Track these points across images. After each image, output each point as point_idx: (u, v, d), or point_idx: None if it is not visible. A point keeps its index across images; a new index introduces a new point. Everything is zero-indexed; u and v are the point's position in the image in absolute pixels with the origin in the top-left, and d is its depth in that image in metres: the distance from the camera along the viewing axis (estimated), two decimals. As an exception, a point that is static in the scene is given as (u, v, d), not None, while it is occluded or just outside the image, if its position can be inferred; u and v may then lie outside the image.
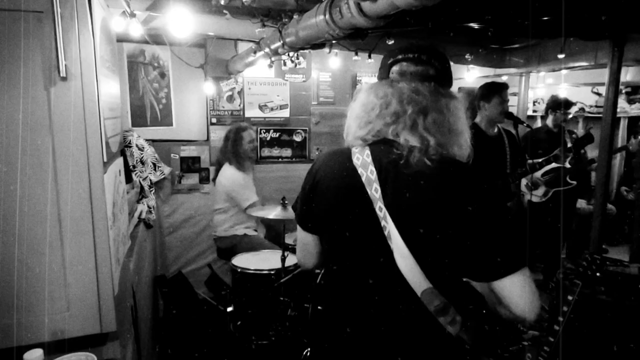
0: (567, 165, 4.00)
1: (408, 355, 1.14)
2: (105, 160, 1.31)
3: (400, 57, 1.19)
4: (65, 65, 1.16)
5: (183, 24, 2.15)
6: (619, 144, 6.10)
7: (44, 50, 1.15)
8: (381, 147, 1.14)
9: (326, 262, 1.30)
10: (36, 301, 1.20)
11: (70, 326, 1.23)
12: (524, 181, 4.14)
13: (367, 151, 1.14)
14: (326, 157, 1.26)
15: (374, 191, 1.10)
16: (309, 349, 2.45)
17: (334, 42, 2.51)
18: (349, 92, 4.45)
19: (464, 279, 1.19)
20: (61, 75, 1.16)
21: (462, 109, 1.18)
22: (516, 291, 1.05)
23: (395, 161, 1.10)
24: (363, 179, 1.11)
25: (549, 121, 4.08)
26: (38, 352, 1.11)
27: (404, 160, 1.08)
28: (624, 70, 4.44)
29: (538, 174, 4.10)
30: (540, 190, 4.11)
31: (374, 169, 1.11)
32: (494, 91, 3.07)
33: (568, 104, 4.04)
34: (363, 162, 1.13)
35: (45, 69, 1.15)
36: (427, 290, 1.08)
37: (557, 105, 4.00)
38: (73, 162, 1.20)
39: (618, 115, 5.87)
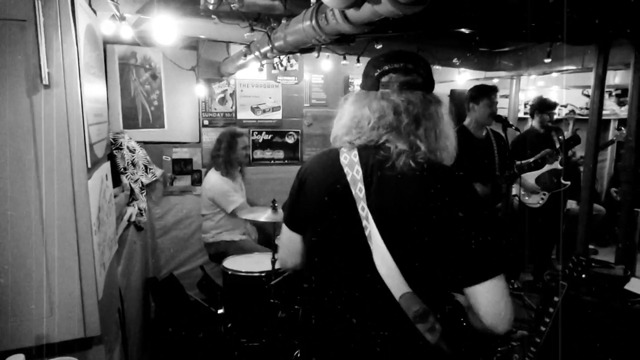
0: (559, 166, 4.04)
1: None
2: (89, 166, 1.32)
3: (387, 67, 1.19)
4: (48, 73, 1.18)
5: (168, 30, 2.17)
6: (609, 147, 6.16)
7: (27, 58, 1.16)
8: (369, 149, 1.15)
9: (309, 261, 1.30)
10: (19, 306, 1.21)
11: (54, 331, 1.24)
12: (520, 189, 4.16)
13: (355, 151, 1.16)
14: (315, 157, 1.29)
15: (358, 191, 1.11)
16: (299, 351, 2.47)
17: (322, 46, 2.53)
18: (341, 94, 4.46)
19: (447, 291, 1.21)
20: (44, 82, 1.17)
21: (448, 112, 1.20)
22: (487, 299, 1.05)
23: (382, 163, 1.12)
24: (348, 178, 1.13)
25: (535, 123, 4.09)
26: (20, 358, 1.12)
27: (390, 163, 1.10)
28: (612, 73, 4.51)
29: (531, 181, 4.11)
30: (536, 197, 4.12)
31: (359, 169, 1.13)
32: (483, 93, 3.10)
33: (552, 105, 4.06)
34: (350, 161, 1.15)
35: (28, 77, 1.17)
36: (406, 295, 1.08)
37: (543, 106, 4.02)
38: (56, 168, 1.21)
39: (608, 117, 5.94)
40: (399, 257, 1.08)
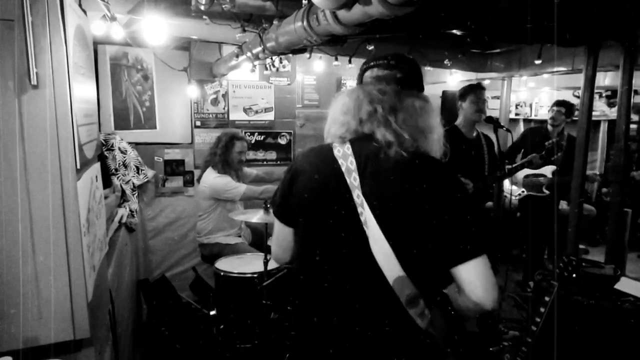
0: (549, 175, 4.15)
1: (378, 345, 1.18)
2: (78, 167, 1.31)
3: (372, 63, 1.31)
4: (37, 73, 1.17)
5: (159, 30, 2.16)
6: (600, 147, 6.23)
7: (15, 58, 1.15)
8: (361, 142, 1.22)
9: (301, 253, 1.33)
10: (6, 308, 1.20)
11: (42, 333, 1.23)
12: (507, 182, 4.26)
13: (348, 145, 1.22)
14: (306, 151, 1.34)
15: (353, 180, 1.17)
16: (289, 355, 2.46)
17: (314, 47, 2.54)
18: (333, 95, 4.45)
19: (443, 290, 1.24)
20: (32, 83, 1.16)
21: (432, 110, 1.25)
22: (473, 277, 1.11)
23: (375, 153, 1.18)
24: (343, 168, 1.19)
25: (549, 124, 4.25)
26: (8, 360, 1.11)
27: (382, 153, 1.17)
28: (602, 74, 4.56)
29: (520, 174, 4.21)
30: (517, 190, 4.23)
31: (353, 160, 1.19)
32: (469, 91, 3.18)
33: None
34: (344, 154, 1.21)
35: (16, 77, 1.16)
36: (399, 279, 1.13)
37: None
38: (45, 169, 1.20)
39: (598, 119, 6.00)
40: (394, 241, 1.13)
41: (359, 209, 1.15)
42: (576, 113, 5.91)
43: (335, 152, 1.22)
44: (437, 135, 1.23)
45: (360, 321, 1.18)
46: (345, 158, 1.20)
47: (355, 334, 1.19)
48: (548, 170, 4.20)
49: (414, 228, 1.13)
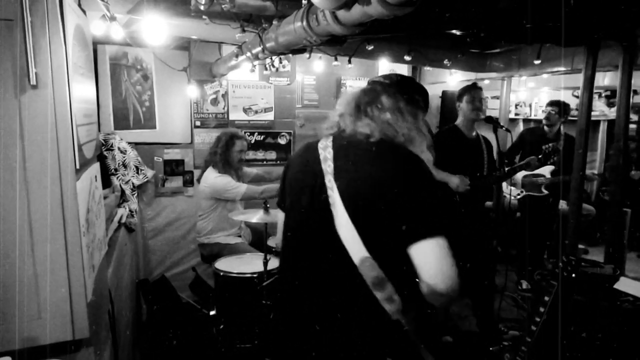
0: (548, 175, 4.16)
1: (344, 326, 1.24)
2: (78, 167, 1.31)
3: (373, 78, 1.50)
4: (36, 73, 1.17)
5: (158, 30, 2.16)
6: (599, 147, 6.23)
7: (14, 58, 1.15)
8: (341, 134, 1.37)
9: (283, 234, 1.45)
10: (6, 308, 1.20)
11: (41, 333, 1.23)
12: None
13: (331, 138, 1.37)
14: (300, 147, 1.51)
15: (327, 167, 1.30)
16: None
17: (314, 47, 2.53)
18: (333, 95, 4.47)
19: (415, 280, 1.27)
20: (31, 83, 1.16)
21: (409, 111, 1.35)
22: (426, 258, 1.14)
23: (349, 143, 1.33)
24: (321, 157, 1.33)
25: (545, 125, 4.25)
26: (7, 360, 1.11)
27: (356, 143, 1.31)
28: (602, 74, 4.56)
29: (519, 175, 4.22)
30: (515, 191, 4.24)
31: (331, 150, 1.33)
32: (465, 91, 3.21)
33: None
34: (325, 145, 1.36)
35: (15, 77, 1.16)
36: (365, 260, 1.18)
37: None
38: (44, 169, 1.20)
39: (598, 119, 6.00)
40: (358, 222, 1.20)
41: (329, 192, 1.25)
42: (575, 112, 5.98)
43: (319, 145, 1.36)
44: (410, 131, 1.33)
45: (326, 300, 1.26)
46: (325, 148, 1.34)
47: (322, 313, 1.26)
48: (547, 170, 4.21)
49: (376, 210, 1.19)
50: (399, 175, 1.21)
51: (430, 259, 1.14)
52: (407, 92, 1.39)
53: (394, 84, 1.41)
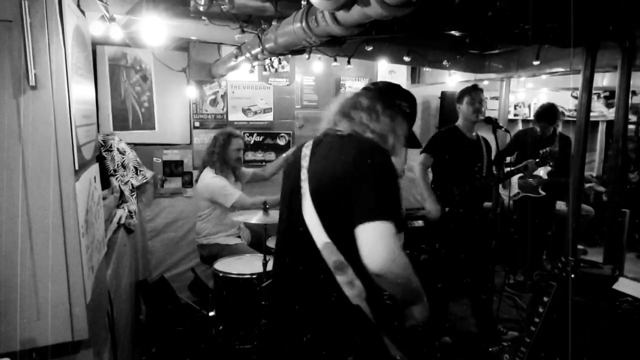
0: (545, 176, 4.16)
1: (308, 308, 1.35)
2: (77, 167, 1.31)
3: None
4: (35, 74, 1.16)
5: (158, 31, 2.16)
6: (598, 147, 6.24)
7: (13, 59, 1.15)
8: (323, 134, 1.50)
9: (277, 228, 1.59)
10: (4, 309, 1.19)
11: (40, 335, 1.23)
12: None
13: (315, 138, 1.51)
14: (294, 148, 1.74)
15: (304, 162, 1.43)
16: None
17: (313, 48, 2.53)
18: (332, 96, 4.48)
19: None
20: (30, 84, 1.16)
21: (388, 116, 1.47)
22: (365, 240, 1.21)
23: (324, 139, 1.47)
24: (302, 154, 1.46)
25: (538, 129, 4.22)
26: (6, 362, 1.11)
27: (329, 138, 1.45)
28: (600, 75, 4.57)
29: (515, 178, 4.22)
30: (511, 192, 4.24)
31: (311, 147, 1.47)
32: (464, 92, 3.20)
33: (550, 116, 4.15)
34: (308, 144, 1.49)
35: (14, 78, 1.15)
36: (326, 245, 1.28)
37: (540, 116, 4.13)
38: (43, 170, 1.20)
39: (597, 119, 6.02)
40: (319, 209, 1.31)
41: (302, 184, 1.38)
42: (571, 113, 5.99)
43: (305, 144, 1.50)
44: (383, 130, 1.44)
45: (293, 284, 1.41)
46: (308, 147, 1.48)
47: (290, 295, 1.41)
48: (543, 171, 4.20)
49: (334, 196, 1.30)
50: (353, 162, 1.30)
51: (368, 241, 1.20)
52: (387, 96, 1.51)
53: (377, 89, 1.53)
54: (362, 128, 1.43)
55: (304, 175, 1.39)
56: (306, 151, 1.46)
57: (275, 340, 1.49)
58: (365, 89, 1.56)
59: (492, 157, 3.36)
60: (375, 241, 1.19)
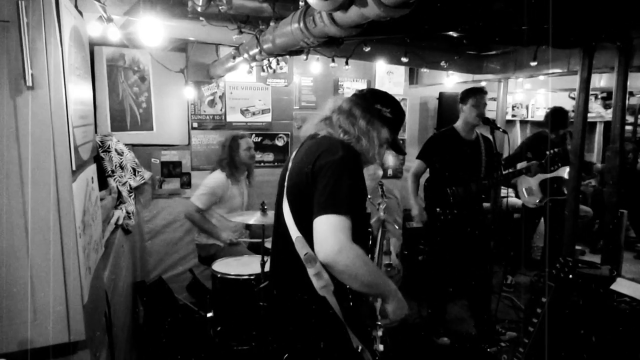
0: (565, 176, 4.12)
1: (283, 298, 1.49)
2: (74, 168, 1.31)
3: None
4: (32, 75, 1.16)
5: (155, 32, 2.15)
6: (595, 148, 6.26)
7: (10, 59, 1.15)
8: (308, 137, 1.60)
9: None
10: (1, 311, 1.19)
11: (37, 336, 1.23)
12: (522, 185, 4.26)
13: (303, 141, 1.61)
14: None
15: (289, 163, 1.55)
16: (287, 354, 2.46)
17: (311, 49, 2.54)
18: (331, 97, 4.46)
19: None
20: (27, 84, 1.15)
21: (366, 120, 1.53)
22: (316, 230, 1.28)
23: (304, 142, 1.58)
24: (291, 156, 1.59)
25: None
26: (2, 363, 1.10)
27: (308, 141, 1.55)
28: (598, 76, 4.58)
29: (535, 182, 4.19)
30: (534, 198, 4.21)
31: (296, 150, 1.58)
32: (469, 94, 3.17)
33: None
34: (297, 146, 1.61)
35: (11, 78, 1.15)
36: (298, 238, 1.37)
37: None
38: (40, 171, 1.19)
39: (594, 120, 6.03)
40: (292, 205, 1.42)
41: (285, 183, 1.49)
42: (572, 114, 5.99)
43: (298, 147, 1.60)
44: (359, 133, 1.51)
45: (275, 275, 1.57)
46: (296, 149, 1.59)
47: (274, 285, 1.56)
48: (564, 171, 4.11)
49: (302, 192, 1.39)
50: (316, 158, 1.39)
51: (318, 233, 1.27)
52: (367, 101, 1.58)
53: (361, 94, 1.61)
54: (338, 130, 1.51)
55: (287, 174, 1.50)
56: (293, 153, 1.58)
57: (270, 338, 1.62)
58: (353, 94, 1.64)
59: (493, 156, 3.33)
60: (325, 232, 1.25)
